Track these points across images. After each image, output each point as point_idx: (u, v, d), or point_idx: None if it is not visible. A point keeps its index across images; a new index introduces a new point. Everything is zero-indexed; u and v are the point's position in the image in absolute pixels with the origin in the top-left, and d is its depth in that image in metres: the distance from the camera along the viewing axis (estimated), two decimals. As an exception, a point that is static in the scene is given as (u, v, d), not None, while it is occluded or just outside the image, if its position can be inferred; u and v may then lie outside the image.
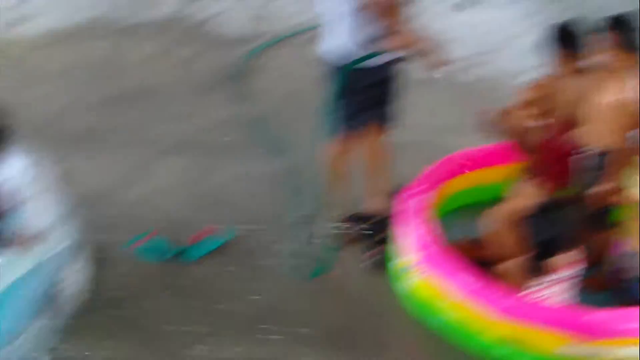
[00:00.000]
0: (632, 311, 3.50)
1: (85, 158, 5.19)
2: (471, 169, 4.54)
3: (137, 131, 5.62)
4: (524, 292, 3.66)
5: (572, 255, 3.65)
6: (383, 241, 4.29)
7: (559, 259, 3.62)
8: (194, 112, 5.88)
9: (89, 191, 4.73)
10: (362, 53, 4.02)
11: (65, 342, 3.51)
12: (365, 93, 4.13)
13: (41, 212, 3.51)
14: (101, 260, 3.99)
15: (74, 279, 3.63)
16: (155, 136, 5.57)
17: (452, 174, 4.46)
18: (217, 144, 5.46)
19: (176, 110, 5.95)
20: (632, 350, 3.48)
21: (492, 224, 3.93)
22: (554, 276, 3.63)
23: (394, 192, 4.35)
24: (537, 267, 3.67)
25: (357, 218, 4.51)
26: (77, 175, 4.78)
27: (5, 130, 3.78)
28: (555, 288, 3.63)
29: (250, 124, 5.59)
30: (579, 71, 3.83)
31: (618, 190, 3.73)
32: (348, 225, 4.47)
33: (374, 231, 4.39)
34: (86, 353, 3.57)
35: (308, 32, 6.09)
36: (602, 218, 3.82)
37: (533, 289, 3.65)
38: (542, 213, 3.78)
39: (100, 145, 5.39)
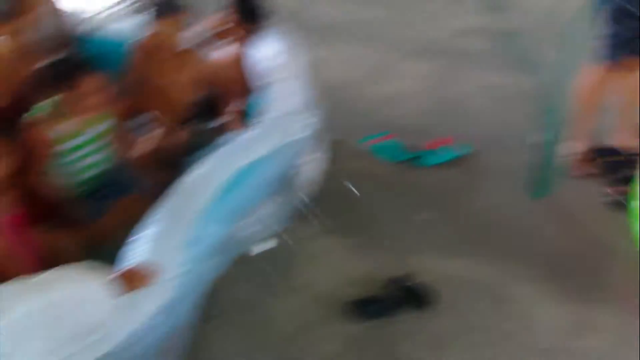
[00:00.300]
0: None
1: (331, 50, 5.26)
2: None
3: (384, 30, 5.60)
4: None
5: None
6: (627, 179, 3.99)
7: None
8: (444, 17, 5.74)
9: (331, 83, 4.81)
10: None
11: (292, 228, 3.61)
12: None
13: (289, 95, 3.60)
14: (337, 152, 4.06)
15: (311, 166, 3.71)
16: (403, 37, 5.52)
17: None
18: (465, 53, 5.32)
19: (426, 12, 5.84)
20: None
21: None
22: None
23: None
24: None
25: (603, 151, 4.23)
26: (321, 66, 4.87)
27: (260, 10, 3.92)
28: None
29: (502, 36, 5.37)
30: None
31: None
32: (591, 156, 4.21)
33: (619, 167, 4.11)
34: (306, 240, 3.65)
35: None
36: None
37: None
38: None
39: (346, 39, 5.42)
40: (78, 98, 3.09)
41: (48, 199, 3.21)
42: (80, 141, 3.24)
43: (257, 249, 3.38)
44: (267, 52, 3.80)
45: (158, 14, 3.58)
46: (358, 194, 3.81)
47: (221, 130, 3.77)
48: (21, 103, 3.35)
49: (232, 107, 3.86)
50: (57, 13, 3.91)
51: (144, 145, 3.61)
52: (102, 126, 3.31)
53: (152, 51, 3.69)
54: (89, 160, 3.32)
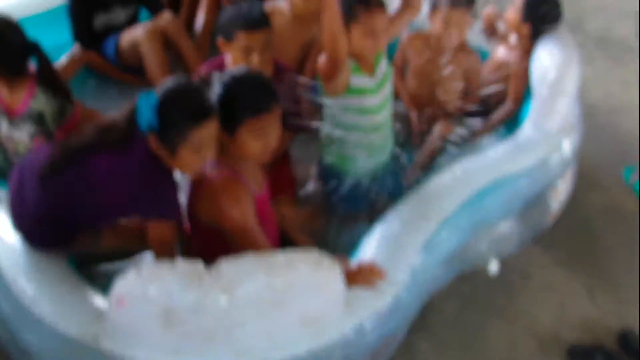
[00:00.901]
0: None
1: (609, 68, 4.93)
2: None
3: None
4: None
5: None
6: None
7: None
8: None
9: (598, 102, 4.52)
10: None
11: (525, 252, 3.44)
12: None
13: (558, 111, 3.41)
14: (591, 179, 3.81)
15: (561, 191, 3.52)
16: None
17: None
18: None
19: None
20: None
21: None
22: None
23: None
24: None
25: None
26: (593, 83, 4.60)
27: (551, 16, 3.74)
28: None
29: None
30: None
31: None
32: None
33: None
34: (536, 268, 3.45)
35: None
36: None
37: None
38: None
39: (625, 57, 5.05)
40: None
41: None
42: (371, 83, 3.13)
43: (485, 266, 3.26)
44: (544, 61, 3.60)
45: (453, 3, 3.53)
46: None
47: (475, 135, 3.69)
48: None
49: (501, 111, 3.75)
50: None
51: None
52: (383, 67, 3.20)
53: (431, 44, 3.67)
54: (377, 118, 3.21)
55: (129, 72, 4.07)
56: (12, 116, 3.06)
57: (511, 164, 3.22)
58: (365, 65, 3.06)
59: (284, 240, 2.89)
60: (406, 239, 2.79)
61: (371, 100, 3.10)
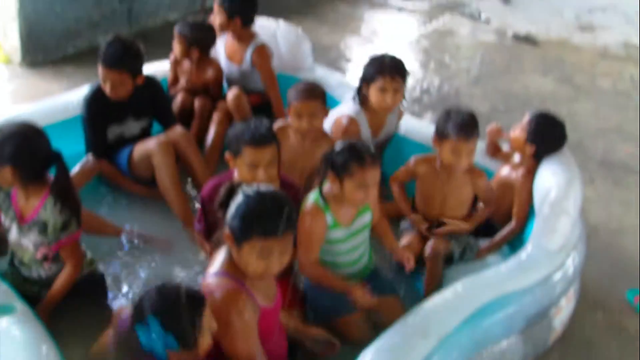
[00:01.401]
0: None
1: (608, 189, 5.02)
2: None
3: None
4: None
5: None
6: None
7: None
8: None
9: (600, 223, 4.58)
10: None
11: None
12: None
13: (557, 231, 3.46)
14: (592, 299, 3.82)
15: (564, 310, 3.53)
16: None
17: None
18: None
19: None
20: None
21: None
22: None
23: None
24: None
25: None
26: (592, 204, 4.68)
27: (557, 139, 3.85)
28: None
29: None
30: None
31: None
32: None
33: None
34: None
35: None
36: None
37: None
38: None
39: (627, 179, 5.15)
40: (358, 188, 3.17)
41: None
42: (344, 233, 3.31)
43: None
44: (547, 181, 3.68)
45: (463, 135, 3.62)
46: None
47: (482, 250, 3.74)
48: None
49: (505, 231, 3.82)
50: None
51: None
52: (364, 219, 3.38)
53: (439, 168, 3.76)
54: (348, 257, 3.39)
55: (141, 183, 4.16)
56: (22, 222, 3.13)
57: (514, 282, 3.24)
58: (344, 218, 3.27)
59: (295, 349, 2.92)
60: (405, 354, 2.79)
61: (340, 247, 3.32)
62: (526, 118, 3.85)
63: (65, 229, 3.11)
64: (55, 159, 3.07)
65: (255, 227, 2.55)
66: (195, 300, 2.43)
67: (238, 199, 2.60)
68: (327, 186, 3.23)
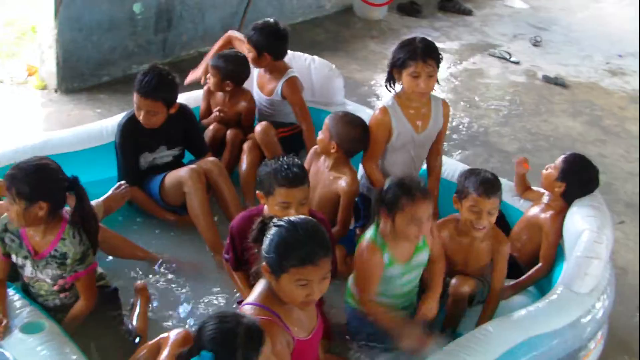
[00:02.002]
0: None
1: (636, 229, 4.99)
2: None
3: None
4: None
5: None
6: None
7: None
8: None
9: (629, 264, 4.56)
10: None
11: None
12: None
13: (588, 274, 3.44)
14: (617, 339, 3.80)
15: (592, 353, 3.49)
16: None
17: None
18: None
19: None
20: None
21: None
22: None
23: None
24: None
25: None
26: (620, 246, 4.65)
27: (591, 183, 3.85)
28: None
29: None
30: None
31: None
32: None
33: None
34: None
35: None
36: None
37: None
38: None
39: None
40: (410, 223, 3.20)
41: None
42: (401, 270, 3.35)
43: None
44: (578, 223, 3.67)
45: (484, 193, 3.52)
46: None
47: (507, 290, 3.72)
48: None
49: (533, 272, 3.79)
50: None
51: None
52: (422, 257, 3.40)
53: (462, 229, 3.63)
54: (401, 290, 3.42)
55: (172, 210, 4.19)
56: (37, 257, 3.10)
57: (543, 325, 3.23)
58: (402, 255, 3.31)
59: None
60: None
61: (396, 282, 3.36)
62: (560, 157, 3.85)
63: (83, 261, 3.11)
64: (75, 185, 3.07)
65: (291, 258, 2.54)
66: (255, 337, 2.31)
67: (271, 231, 2.61)
68: (383, 223, 3.27)
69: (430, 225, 3.32)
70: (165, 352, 2.76)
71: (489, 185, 3.48)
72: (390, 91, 4.03)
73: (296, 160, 3.36)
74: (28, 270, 3.15)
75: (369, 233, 3.33)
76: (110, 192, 3.74)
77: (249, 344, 2.27)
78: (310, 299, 2.59)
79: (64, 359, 2.80)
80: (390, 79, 3.99)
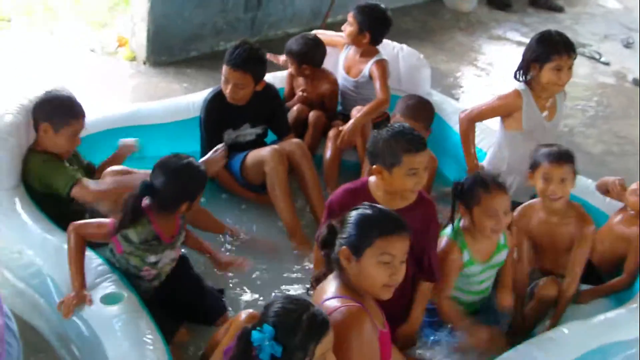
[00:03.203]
0: None
1: None
2: None
3: None
4: None
5: None
6: None
7: None
8: None
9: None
10: None
11: None
12: None
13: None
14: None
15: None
16: None
17: None
18: None
19: None
20: None
21: None
22: None
23: None
24: None
25: None
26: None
27: None
28: None
29: None
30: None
31: None
32: None
33: None
34: None
35: None
36: None
37: None
38: None
39: None
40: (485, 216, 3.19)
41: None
42: (480, 268, 3.33)
43: None
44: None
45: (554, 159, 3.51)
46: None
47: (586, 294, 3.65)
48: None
49: (615, 281, 3.71)
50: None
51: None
52: (501, 256, 3.38)
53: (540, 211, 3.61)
54: (478, 287, 3.41)
55: (252, 189, 4.23)
56: (170, 241, 3.20)
57: (622, 331, 3.17)
58: (481, 254, 3.30)
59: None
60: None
61: (473, 279, 3.35)
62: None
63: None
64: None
65: (375, 228, 2.55)
66: (317, 324, 2.32)
67: (350, 216, 2.61)
68: (463, 221, 3.26)
69: (510, 220, 3.29)
70: (232, 329, 2.82)
71: (559, 153, 3.49)
72: (519, 81, 4.01)
73: (407, 126, 3.22)
74: (166, 260, 3.23)
75: (449, 230, 3.31)
76: (208, 155, 3.77)
77: (311, 330, 2.29)
78: (393, 279, 2.55)
79: (138, 333, 2.84)
80: (525, 72, 3.97)
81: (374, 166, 3.08)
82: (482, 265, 3.31)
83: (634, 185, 3.78)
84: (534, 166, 3.54)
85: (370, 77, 4.56)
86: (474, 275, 3.32)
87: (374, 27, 4.52)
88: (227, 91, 4.04)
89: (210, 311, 3.35)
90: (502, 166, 4.03)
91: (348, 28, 4.56)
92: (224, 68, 4.01)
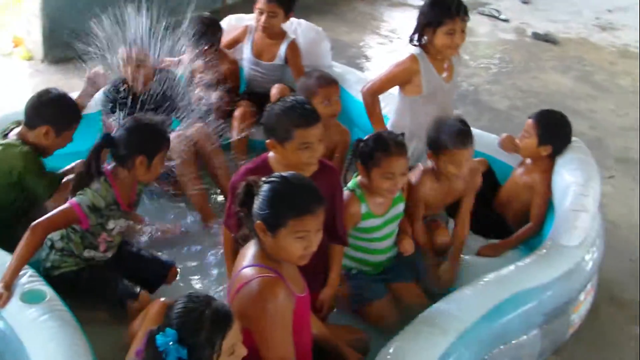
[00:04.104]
0: None
1: (627, 184, 5.01)
2: None
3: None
4: None
5: None
6: None
7: None
8: None
9: (620, 218, 4.58)
10: None
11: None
12: None
13: (577, 227, 3.47)
14: (606, 291, 3.85)
15: (582, 305, 3.52)
16: None
17: None
18: None
19: None
20: None
21: None
22: None
23: None
24: None
25: None
26: (610, 200, 4.67)
27: (566, 135, 3.87)
28: None
29: None
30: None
31: None
32: None
33: None
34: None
35: None
36: None
37: None
38: None
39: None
40: (385, 177, 3.24)
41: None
42: (379, 222, 3.37)
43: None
44: (566, 178, 3.71)
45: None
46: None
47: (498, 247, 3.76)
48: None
49: (523, 230, 3.83)
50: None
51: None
52: (398, 209, 3.43)
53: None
54: (381, 245, 3.45)
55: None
56: (130, 209, 3.36)
57: (533, 279, 3.25)
58: (379, 208, 3.34)
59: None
60: (424, 350, 2.81)
61: (375, 234, 3.38)
62: (530, 122, 3.84)
63: None
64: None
65: (288, 209, 2.53)
66: (220, 319, 2.31)
67: (263, 188, 2.59)
68: (360, 177, 3.31)
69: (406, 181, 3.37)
70: (142, 329, 2.83)
71: (463, 135, 3.50)
72: (415, 45, 4.00)
73: (302, 99, 3.20)
74: (121, 227, 3.33)
75: (350, 184, 3.35)
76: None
77: (215, 326, 2.28)
78: (309, 251, 2.57)
79: (68, 335, 2.78)
80: (420, 36, 3.97)
81: (268, 141, 3.09)
82: (380, 219, 3.35)
83: (503, 135, 4.02)
84: (436, 147, 3.54)
85: (286, 60, 4.60)
86: (374, 229, 3.36)
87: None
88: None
89: (154, 274, 3.47)
90: (416, 132, 4.01)
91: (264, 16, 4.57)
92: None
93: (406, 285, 3.48)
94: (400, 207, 3.43)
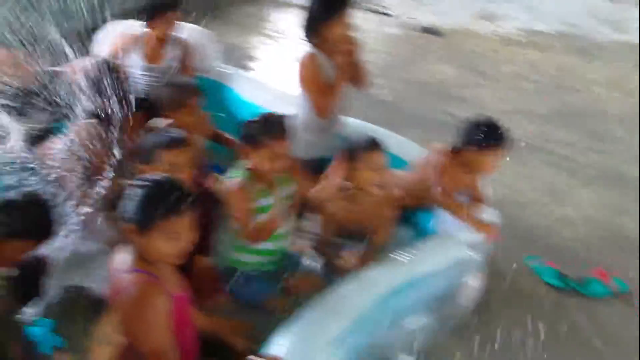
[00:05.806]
0: None
1: (512, 165, 5.19)
2: None
3: (568, 151, 5.47)
4: None
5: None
6: None
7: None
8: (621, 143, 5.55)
9: (504, 200, 4.73)
10: None
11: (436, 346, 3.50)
12: None
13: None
14: (499, 268, 3.99)
15: (472, 286, 3.64)
16: (584, 162, 5.36)
17: None
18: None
19: (611, 139, 5.67)
20: None
21: None
22: None
23: None
24: None
25: None
26: (500, 181, 4.82)
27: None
28: None
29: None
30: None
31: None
32: None
33: None
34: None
35: None
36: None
37: None
38: None
39: (530, 156, 5.33)
40: (269, 159, 3.28)
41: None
42: (273, 200, 3.39)
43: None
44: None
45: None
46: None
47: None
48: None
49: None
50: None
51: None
52: (290, 189, 3.47)
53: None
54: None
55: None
56: None
57: (423, 266, 3.34)
58: (267, 183, 3.37)
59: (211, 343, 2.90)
60: (317, 333, 2.85)
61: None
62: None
63: None
64: None
65: (157, 211, 2.52)
66: (93, 308, 2.31)
67: (130, 191, 2.58)
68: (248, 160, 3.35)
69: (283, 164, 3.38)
70: None
71: (370, 140, 3.49)
72: (310, 43, 3.92)
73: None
74: None
75: (234, 172, 3.39)
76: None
77: (88, 314, 2.29)
78: (181, 250, 2.58)
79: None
80: (313, 34, 3.88)
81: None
82: (274, 197, 3.38)
83: None
84: (351, 158, 3.47)
85: (179, 60, 4.56)
86: (269, 207, 3.38)
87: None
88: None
89: None
90: (311, 125, 4.02)
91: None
92: None
93: (306, 278, 3.48)
94: (292, 188, 3.48)
